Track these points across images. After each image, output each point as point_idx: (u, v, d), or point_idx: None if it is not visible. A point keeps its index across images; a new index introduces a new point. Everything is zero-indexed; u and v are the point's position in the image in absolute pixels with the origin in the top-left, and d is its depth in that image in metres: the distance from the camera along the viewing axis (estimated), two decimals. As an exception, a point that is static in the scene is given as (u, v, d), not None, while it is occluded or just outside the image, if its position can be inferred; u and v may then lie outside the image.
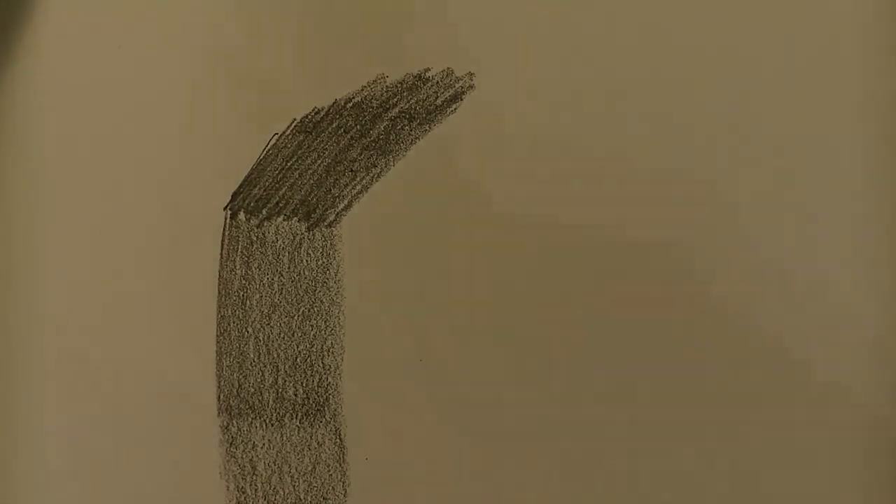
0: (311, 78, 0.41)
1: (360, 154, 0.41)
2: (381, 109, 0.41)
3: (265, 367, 0.41)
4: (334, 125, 0.41)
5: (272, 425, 0.41)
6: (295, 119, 0.41)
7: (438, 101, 0.41)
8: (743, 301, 0.38)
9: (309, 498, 0.40)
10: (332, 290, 0.41)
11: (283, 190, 0.41)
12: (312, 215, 0.41)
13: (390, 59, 0.41)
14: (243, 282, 0.41)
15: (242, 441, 0.41)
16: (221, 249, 0.41)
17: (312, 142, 0.41)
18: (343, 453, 0.41)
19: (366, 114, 0.41)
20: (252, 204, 0.41)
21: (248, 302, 0.41)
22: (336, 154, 0.41)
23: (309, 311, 0.41)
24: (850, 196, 0.39)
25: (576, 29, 0.40)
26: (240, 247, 0.41)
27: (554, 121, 0.40)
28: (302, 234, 0.41)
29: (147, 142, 0.42)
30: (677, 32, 0.40)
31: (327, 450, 0.41)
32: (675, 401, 0.39)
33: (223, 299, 0.41)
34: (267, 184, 0.41)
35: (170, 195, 0.42)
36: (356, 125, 0.41)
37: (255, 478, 0.41)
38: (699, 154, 0.39)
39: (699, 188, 0.39)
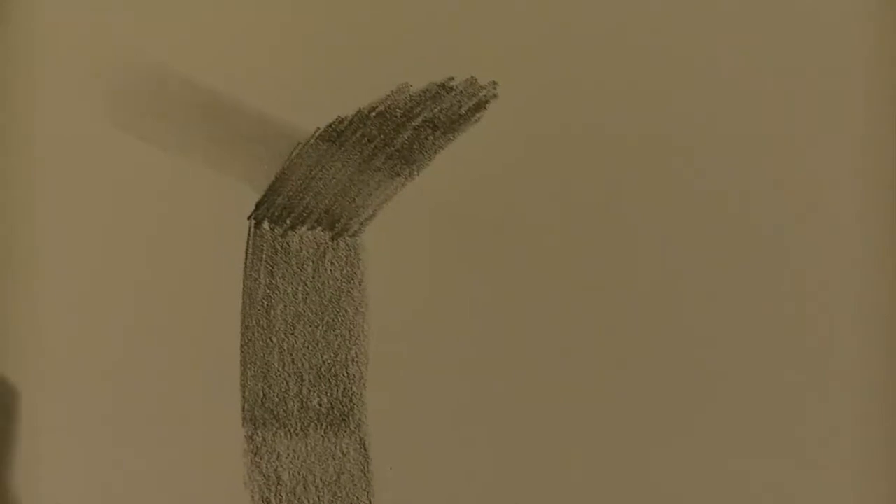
0: (334, 87, 0.41)
1: (384, 163, 0.41)
2: (404, 118, 0.41)
3: (289, 376, 0.41)
4: (358, 134, 0.41)
5: (296, 435, 0.41)
6: (319, 128, 0.41)
7: (462, 110, 0.41)
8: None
9: (334, 508, 0.40)
10: (356, 299, 0.41)
11: (308, 199, 0.41)
12: (336, 224, 0.41)
13: (414, 68, 0.41)
14: (267, 291, 0.41)
15: (267, 451, 0.41)
16: (246, 259, 0.41)
17: (336, 151, 0.41)
18: (367, 463, 0.40)
19: (390, 123, 0.41)
20: (276, 213, 0.41)
21: (272, 311, 0.41)
22: (360, 163, 0.41)
23: (333, 320, 0.41)
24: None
25: (597, 37, 0.40)
26: (264, 256, 0.41)
27: (576, 129, 0.40)
28: (326, 243, 0.41)
29: (170, 150, 0.42)
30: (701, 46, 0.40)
31: (351, 459, 0.41)
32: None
33: (247, 309, 0.41)
34: (291, 193, 0.41)
35: (193, 205, 0.42)
36: (380, 134, 0.41)
37: (279, 488, 0.41)
38: (734, 174, 0.40)
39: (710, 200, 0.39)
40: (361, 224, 0.41)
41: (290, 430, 0.41)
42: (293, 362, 0.41)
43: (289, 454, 0.41)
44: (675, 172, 0.40)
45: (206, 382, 0.41)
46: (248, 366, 0.41)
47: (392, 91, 0.41)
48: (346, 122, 0.41)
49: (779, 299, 0.39)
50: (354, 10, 0.41)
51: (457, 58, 0.41)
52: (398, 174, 0.41)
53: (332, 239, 0.41)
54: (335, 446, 0.41)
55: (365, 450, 0.41)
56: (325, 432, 0.41)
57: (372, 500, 0.40)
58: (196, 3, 0.42)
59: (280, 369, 0.41)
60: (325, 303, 0.41)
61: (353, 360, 0.41)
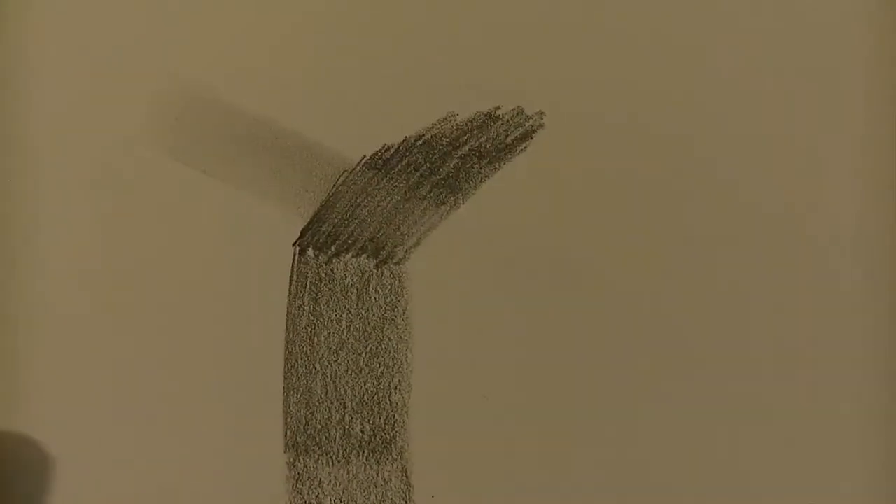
0: (381, 115, 0.41)
1: (430, 191, 0.41)
2: (450, 147, 0.41)
3: (332, 403, 0.41)
4: (404, 162, 0.41)
5: (339, 462, 0.41)
6: (364, 156, 0.41)
7: (508, 140, 0.41)
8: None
9: (376, 536, 0.41)
10: (399, 327, 0.41)
11: (352, 227, 0.41)
12: (381, 252, 0.41)
13: (460, 97, 0.41)
14: (311, 318, 0.41)
15: (309, 478, 0.41)
16: (290, 286, 0.41)
17: (382, 179, 0.41)
18: (409, 491, 0.41)
19: (435, 151, 0.41)
20: (321, 240, 0.41)
21: (315, 338, 0.41)
22: (405, 191, 0.41)
23: (377, 348, 0.41)
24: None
25: (646, 71, 0.40)
26: (308, 283, 0.41)
27: (624, 159, 0.40)
28: (370, 271, 0.41)
29: (215, 176, 0.42)
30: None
31: (393, 487, 0.41)
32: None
33: (291, 335, 0.41)
34: (336, 220, 0.41)
35: (238, 231, 0.42)
36: (426, 162, 0.41)
37: (321, 515, 0.41)
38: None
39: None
40: (406, 252, 0.41)
41: (332, 457, 0.41)
42: (336, 389, 0.41)
43: (331, 481, 0.41)
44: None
45: (248, 408, 0.41)
46: (291, 392, 0.41)
47: (438, 120, 0.41)
48: (392, 151, 0.41)
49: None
50: (402, 39, 0.41)
51: (503, 87, 0.41)
52: (443, 203, 0.41)
53: (377, 267, 0.41)
54: (377, 474, 0.41)
55: (407, 477, 0.41)
56: (367, 460, 0.41)
57: (413, 527, 0.41)
58: (244, 28, 0.42)
59: (323, 396, 0.41)
60: (369, 330, 0.41)
61: (395, 387, 0.41)
